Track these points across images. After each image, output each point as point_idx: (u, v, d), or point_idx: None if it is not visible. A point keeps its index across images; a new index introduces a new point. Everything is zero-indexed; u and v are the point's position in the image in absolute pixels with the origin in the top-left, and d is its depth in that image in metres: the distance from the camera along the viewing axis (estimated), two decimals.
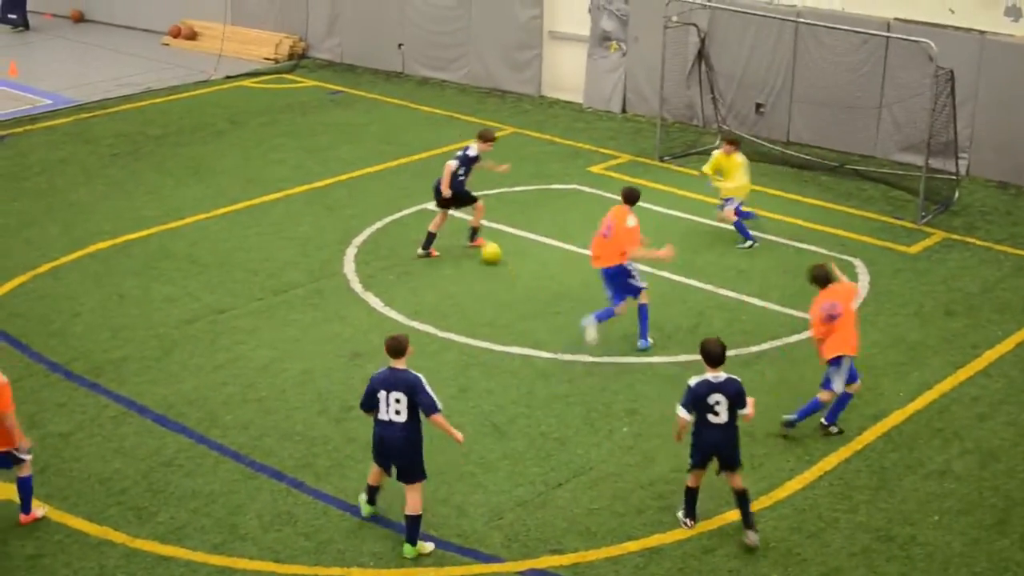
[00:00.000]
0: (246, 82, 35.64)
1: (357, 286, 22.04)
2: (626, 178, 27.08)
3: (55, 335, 20.32)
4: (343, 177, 27.65)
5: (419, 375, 14.76)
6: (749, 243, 23.82)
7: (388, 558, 14.96)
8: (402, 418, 14.75)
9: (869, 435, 17.59)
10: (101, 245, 23.80)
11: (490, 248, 23.10)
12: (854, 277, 22.44)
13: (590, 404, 18.34)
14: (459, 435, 15.07)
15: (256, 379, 19.00)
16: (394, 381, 14.75)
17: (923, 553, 15.13)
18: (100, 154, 29.18)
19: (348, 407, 18.04)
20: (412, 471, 15.00)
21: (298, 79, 35.92)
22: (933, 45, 25.23)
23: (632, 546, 15.21)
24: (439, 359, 19.54)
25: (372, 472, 15.46)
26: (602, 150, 29.57)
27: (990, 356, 19.88)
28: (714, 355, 15.11)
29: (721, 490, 16.09)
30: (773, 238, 24.19)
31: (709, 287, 22.13)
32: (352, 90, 34.76)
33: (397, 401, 14.70)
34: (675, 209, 25.25)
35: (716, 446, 15.16)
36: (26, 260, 23.06)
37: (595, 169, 28.12)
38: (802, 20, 29.09)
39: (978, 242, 24.35)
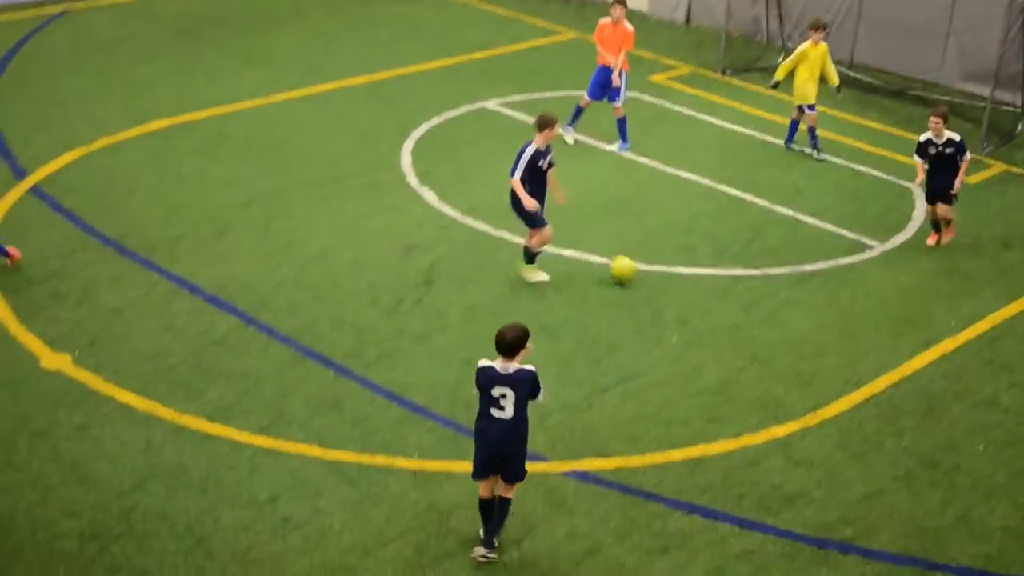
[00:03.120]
0: None
1: (413, 180, 21.97)
2: (688, 89, 26.92)
3: (110, 210, 20.30)
4: (402, 71, 27.50)
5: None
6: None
7: (433, 450, 15.01)
8: None
9: (918, 361, 17.51)
10: (160, 123, 23.79)
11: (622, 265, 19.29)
12: (911, 204, 22.28)
13: (641, 312, 18.29)
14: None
15: (309, 266, 19.01)
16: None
17: (967, 481, 15.09)
18: (162, 33, 29.11)
19: (399, 299, 18.10)
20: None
21: None
22: None
23: (677, 455, 15.22)
24: (493, 257, 19.51)
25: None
26: (664, 60, 29.27)
27: None
28: (502, 344, 12.90)
29: (766, 403, 16.13)
30: (832, 159, 23.97)
31: (765, 203, 21.98)
32: None
33: None
34: (735, 124, 25.04)
35: (499, 445, 13.17)
36: (83, 135, 23.00)
37: (656, 79, 27.86)
38: None
39: None
